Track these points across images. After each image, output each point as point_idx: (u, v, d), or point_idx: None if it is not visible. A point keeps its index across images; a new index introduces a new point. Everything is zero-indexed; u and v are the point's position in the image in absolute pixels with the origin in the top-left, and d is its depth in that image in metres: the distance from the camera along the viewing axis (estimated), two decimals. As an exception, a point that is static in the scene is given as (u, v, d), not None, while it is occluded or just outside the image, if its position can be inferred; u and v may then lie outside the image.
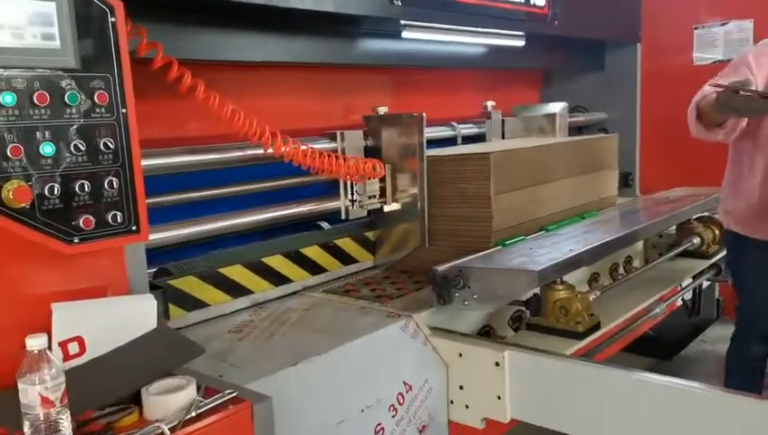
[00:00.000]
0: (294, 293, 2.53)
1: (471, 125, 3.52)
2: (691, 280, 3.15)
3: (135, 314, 1.68)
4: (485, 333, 2.43)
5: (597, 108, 4.61)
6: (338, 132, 2.70)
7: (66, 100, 1.47)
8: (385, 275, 2.75)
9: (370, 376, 1.89)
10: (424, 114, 2.63)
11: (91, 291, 1.68)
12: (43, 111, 1.44)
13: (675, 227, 3.24)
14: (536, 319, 2.26)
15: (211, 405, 1.46)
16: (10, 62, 1.38)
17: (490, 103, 3.59)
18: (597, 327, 2.23)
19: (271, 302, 2.42)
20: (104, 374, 1.52)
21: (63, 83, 1.47)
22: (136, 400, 1.49)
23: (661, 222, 2.93)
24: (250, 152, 2.39)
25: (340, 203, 2.73)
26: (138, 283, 1.81)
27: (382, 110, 2.85)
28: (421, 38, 2.97)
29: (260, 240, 2.62)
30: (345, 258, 2.74)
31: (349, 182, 2.70)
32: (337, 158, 2.45)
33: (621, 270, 3.20)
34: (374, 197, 2.74)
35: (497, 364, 1.94)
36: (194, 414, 1.41)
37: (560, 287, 2.18)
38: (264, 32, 2.59)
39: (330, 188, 2.78)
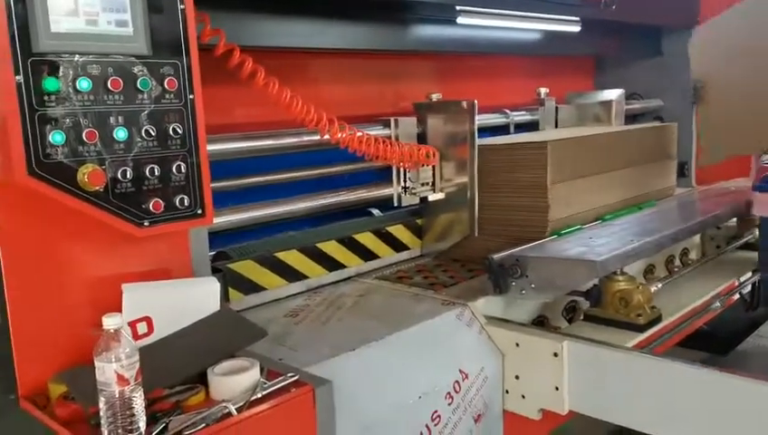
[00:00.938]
0: (347, 278, 2.54)
1: (524, 112, 3.46)
2: (750, 274, 3.05)
3: (199, 296, 1.72)
4: (539, 322, 2.41)
5: (652, 95, 4.48)
6: (392, 119, 2.69)
7: (138, 85, 1.50)
8: (437, 262, 2.74)
9: (427, 363, 1.89)
10: (475, 102, 2.60)
11: (157, 273, 1.73)
12: (116, 97, 1.48)
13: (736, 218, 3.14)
14: (594, 310, 2.22)
15: (274, 388, 1.49)
16: (86, 48, 1.42)
17: (543, 90, 3.52)
18: (658, 320, 2.19)
19: (325, 287, 2.44)
20: (172, 354, 1.56)
21: (135, 69, 1.50)
22: (201, 380, 1.53)
23: (724, 214, 2.84)
24: (305, 138, 2.40)
25: (392, 190, 2.72)
26: (200, 266, 1.85)
27: (435, 96, 2.83)
28: (475, 24, 2.93)
29: (311, 226, 2.64)
30: (397, 245, 2.74)
31: (402, 169, 2.69)
32: (391, 144, 2.44)
33: (678, 262, 3.12)
34: (427, 184, 2.73)
35: (555, 355, 1.92)
36: (259, 396, 1.44)
37: (620, 278, 2.14)
38: (320, 19, 2.59)
39: (380, 175, 2.78)
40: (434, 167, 2.71)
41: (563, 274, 2.03)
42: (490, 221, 2.62)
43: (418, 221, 2.83)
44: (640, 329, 2.12)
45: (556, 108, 3.60)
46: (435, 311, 2.09)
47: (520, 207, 2.55)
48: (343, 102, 2.88)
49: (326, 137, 2.26)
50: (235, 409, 1.39)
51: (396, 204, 2.73)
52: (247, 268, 2.20)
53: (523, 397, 2.04)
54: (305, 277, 2.39)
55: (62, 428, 1.36)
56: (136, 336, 1.59)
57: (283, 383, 1.50)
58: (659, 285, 2.33)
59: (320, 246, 2.44)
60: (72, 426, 1.36)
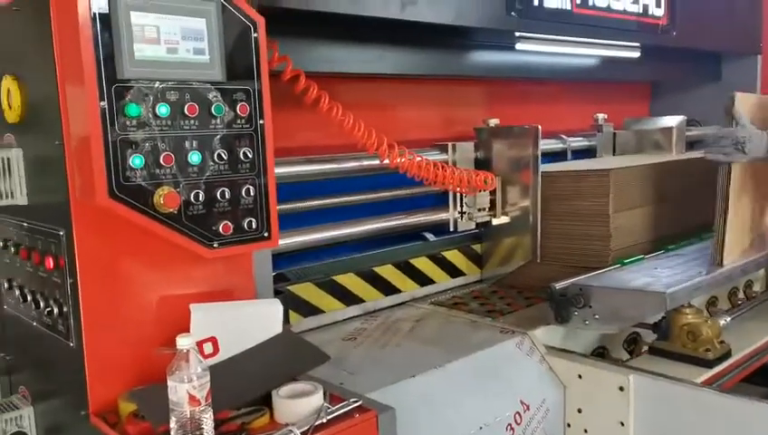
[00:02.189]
0: (402, 303, 2.53)
1: (581, 138, 3.42)
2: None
3: (262, 318, 1.73)
4: (599, 354, 2.35)
5: (711, 122, 4.37)
6: (449, 144, 2.69)
7: (212, 111, 1.54)
8: (492, 289, 2.71)
9: (487, 393, 1.86)
10: (539, 127, 2.58)
11: (221, 294, 1.75)
12: (191, 122, 1.52)
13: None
14: (660, 343, 2.15)
15: (338, 413, 1.48)
16: (166, 75, 1.47)
17: (601, 116, 3.47)
18: (727, 355, 2.10)
19: (381, 311, 2.44)
20: (237, 375, 1.57)
21: (210, 95, 1.54)
22: (264, 402, 1.53)
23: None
24: (365, 163, 2.42)
25: (448, 215, 2.71)
26: (263, 287, 1.88)
27: (493, 121, 2.82)
28: (533, 50, 2.93)
29: (364, 249, 2.64)
30: (452, 271, 2.73)
31: (458, 194, 2.68)
32: (449, 169, 2.44)
33: (741, 295, 3.00)
34: (484, 209, 2.71)
35: (621, 389, 1.86)
36: (324, 420, 1.44)
37: (687, 311, 2.07)
38: (379, 45, 2.62)
39: (436, 200, 2.77)
40: (492, 192, 2.69)
41: (630, 305, 1.98)
42: (550, 248, 2.59)
43: (474, 247, 2.81)
44: (709, 364, 2.05)
45: (614, 134, 3.54)
46: (493, 339, 2.06)
47: (582, 235, 2.51)
48: (400, 127, 2.90)
49: (386, 162, 2.28)
50: (300, 433, 1.39)
51: (452, 229, 2.71)
52: (307, 291, 2.22)
53: (586, 431, 1.98)
54: (362, 301, 2.40)
55: (132, 445, 1.38)
56: (202, 356, 1.61)
57: (346, 408, 1.50)
58: (728, 319, 2.25)
59: (376, 269, 2.44)
60: (143, 444, 1.38)
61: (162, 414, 1.39)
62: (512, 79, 3.37)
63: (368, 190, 2.61)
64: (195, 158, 1.52)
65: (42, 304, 1.67)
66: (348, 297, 2.35)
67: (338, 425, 1.45)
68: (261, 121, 1.64)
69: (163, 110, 1.46)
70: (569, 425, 2.01)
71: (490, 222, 2.75)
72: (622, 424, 1.88)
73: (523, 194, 2.66)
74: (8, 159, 1.67)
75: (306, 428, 1.41)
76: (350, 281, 2.35)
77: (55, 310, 1.61)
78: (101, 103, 1.38)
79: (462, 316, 2.34)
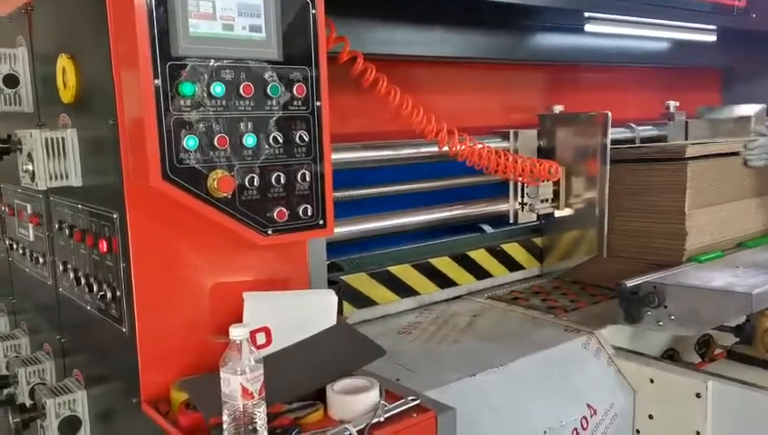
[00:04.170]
0: (458, 297, 2.43)
1: (650, 127, 3.23)
2: None
3: (317, 309, 1.66)
4: (669, 357, 2.20)
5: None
6: (511, 131, 2.57)
7: (268, 92, 1.47)
8: (554, 284, 2.58)
9: (553, 395, 1.75)
10: (609, 114, 2.43)
11: (274, 282, 1.69)
12: (247, 103, 1.45)
13: None
14: (741, 347, 1.99)
15: (395, 411, 1.40)
16: (221, 53, 1.40)
17: (673, 103, 3.27)
18: (817, 363, 1.93)
19: (436, 304, 2.35)
20: (291, 368, 1.51)
21: (266, 75, 1.47)
22: (317, 396, 1.47)
23: None
24: (423, 150, 2.32)
25: (508, 206, 2.59)
26: (317, 277, 1.81)
27: (558, 108, 2.68)
28: (602, 31, 2.76)
29: (419, 240, 2.54)
30: (511, 264, 2.61)
31: (519, 184, 2.55)
32: (512, 158, 2.32)
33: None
34: (546, 201, 2.58)
35: (698, 396, 1.72)
36: (382, 419, 1.36)
37: (773, 314, 1.90)
38: (440, 27, 2.52)
39: (493, 190, 2.65)
40: (556, 183, 2.55)
41: (711, 306, 1.82)
42: (617, 243, 2.43)
43: (535, 240, 2.68)
44: (797, 372, 1.88)
45: (686, 123, 3.33)
46: (558, 338, 1.94)
47: (652, 231, 2.35)
48: (458, 113, 2.78)
49: (444, 148, 2.18)
50: (357, 431, 1.32)
51: (512, 220, 2.59)
52: (360, 281, 2.15)
53: (657, 439, 1.85)
54: (417, 293, 2.31)
55: (183, 437, 1.33)
56: (254, 346, 1.55)
57: (403, 407, 1.42)
58: (816, 324, 2.06)
59: (432, 261, 2.34)
60: (193, 435, 1.33)
61: (214, 406, 1.34)
62: (573, 64, 3.21)
63: (422, 179, 2.52)
64: (250, 140, 1.46)
65: (95, 288, 1.64)
66: (402, 289, 2.26)
67: (395, 425, 1.37)
68: (318, 104, 1.56)
69: (218, 89, 1.40)
70: (638, 431, 1.89)
71: (552, 214, 2.62)
72: (698, 433, 1.74)
73: (589, 185, 2.51)
74: (63, 138, 1.64)
75: (362, 426, 1.34)
76: (405, 272, 2.27)
77: (108, 294, 1.58)
78: (156, 81, 1.32)
79: (522, 312, 2.23)
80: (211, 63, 1.39)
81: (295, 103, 1.52)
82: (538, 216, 2.61)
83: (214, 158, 1.42)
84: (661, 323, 1.90)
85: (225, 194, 1.43)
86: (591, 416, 1.77)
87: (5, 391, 2.12)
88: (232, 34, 1.42)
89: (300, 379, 1.48)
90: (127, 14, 1.32)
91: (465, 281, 2.45)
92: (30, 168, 1.62)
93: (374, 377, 1.48)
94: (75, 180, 1.66)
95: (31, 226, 2.10)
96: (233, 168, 1.44)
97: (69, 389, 1.87)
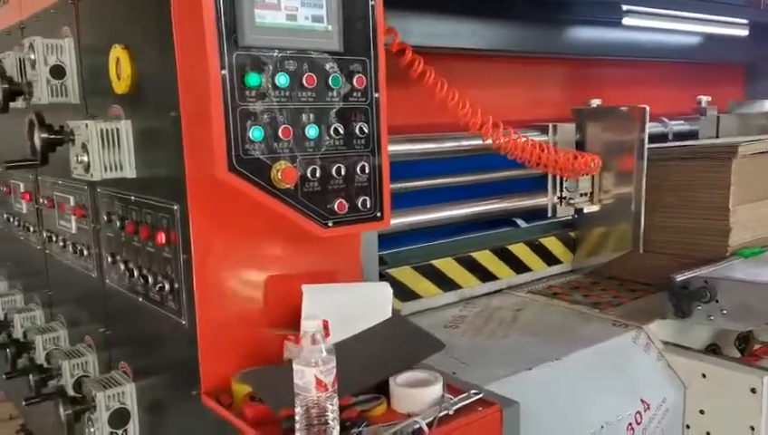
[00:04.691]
0: (498, 291, 2.42)
1: (682, 122, 3.21)
2: None
3: (373, 301, 1.66)
4: (712, 352, 2.18)
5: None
6: (550, 125, 2.55)
7: (329, 83, 1.46)
8: (592, 279, 2.56)
9: (609, 390, 1.74)
10: (647, 108, 2.40)
11: (329, 274, 1.68)
12: (309, 94, 1.44)
13: None
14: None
15: (460, 404, 1.39)
16: (285, 43, 1.39)
17: (705, 98, 3.25)
18: None
19: (477, 298, 2.33)
20: (352, 361, 1.49)
21: (328, 66, 1.46)
22: (378, 389, 1.46)
23: None
24: (465, 143, 2.30)
25: (546, 200, 2.57)
26: (369, 270, 1.80)
27: (595, 102, 2.66)
28: (636, 25, 2.74)
29: (456, 233, 2.52)
30: (549, 258, 2.59)
31: (558, 178, 2.54)
32: (554, 151, 2.30)
33: None
34: (585, 194, 2.56)
35: (753, 391, 1.70)
36: (451, 412, 1.35)
37: (827, 309, 1.88)
38: (474, 18, 2.50)
39: (527, 184, 2.63)
40: (593, 177, 2.54)
41: (764, 301, 1.81)
42: (657, 238, 2.41)
43: (572, 234, 2.67)
44: None
45: (717, 117, 3.31)
46: (607, 332, 1.93)
47: (693, 227, 2.32)
48: (494, 107, 2.76)
49: (488, 141, 2.16)
50: (426, 424, 1.31)
51: (550, 214, 2.57)
52: (405, 275, 2.14)
53: (709, 434, 1.83)
54: (459, 287, 2.30)
55: (251, 429, 1.32)
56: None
57: (468, 401, 1.41)
58: None
59: (474, 255, 2.33)
60: (261, 427, 1.32)
61: (281, 398, 1.33)
62: (601, 59, 3.18)
63: (461, 173, 2.50)
64: (312, 132, 1.45)
65: (150, 280, 1.64)
66: (445, 283, 2.25)
67: (460, 418, 1.36)
68: (376, 95, 1.55)
69: (282, 80, 1.39)
70: (688, 426, 1.87)
71: (581, 210, 2.60)
72: (752, 429, 1.72)
73: (623, 180, 2.49)
74: (117, 130, 1.64)
75: (431, 419, 1.33)
76: (447, 266, 2.26)
77: (166, 286, 1.57)
78: (222, 72, 1.31)
79: (565, 307, 2.21)
80: (275, 54, 1.38)
81: (355, 95, 1.51)
82: (576, 210, 2.60)
83: (277, 149, 1.40)
84: (712, 318, 1.88)
85: (288, 185, 1.42)
86: (645, 411, 1.76)
87: (50, 383, 2.12)
88: (295, 25, 1.41)
89: (361, 372, 1.47)
90: (193, 4, 1.31)
91: (505, 275, 2.43)
92: (85, 159, 1.61)
93: (432, 370, 1.48)
94: (129, 172, 1.66)
95: (74, 218, 2.10)
96: (295, 159, 1.43)
97: (117, 381, 1.87)
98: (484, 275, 2.37)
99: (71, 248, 2.15)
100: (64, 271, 2.29)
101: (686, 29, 2.95)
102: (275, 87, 1.38)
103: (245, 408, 1.38)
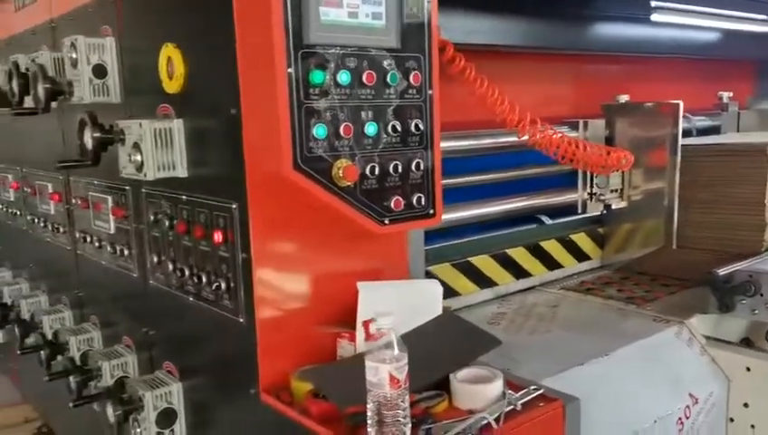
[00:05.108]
0: (531, 288, 2.43)
1: (703, 117, 3.22)
2: None
3: (424, 298, 1.67)
4: (746, 345, 2.20)
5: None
6: (581, 121, 2.56)
7: (387, 80, 1.46)
8: (622, 275, 2.57)
9: (659, 385, 1.75)
10: (680, 103, 2.42)
11: (378, 272, 1.69)
12: (368, 91, 1.44)
13: None
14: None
15: (523, 400, 1.40)
16: (347, 40, 1.39)
17: (726, 94, 3.27)
18: None
19: (512, 295, 2.34)
20: (411, 357, 1.50)
21: (386, 63, 1.46)
22: (435, 385, 1.46)
23: None
24: (502, 139, 2.31)
25: (576, 196, 2.58)
26: (416, 267, 1.80)
27: (623, 98, 2.67)
28: (662, 21, 2.75)
29: (486, 230, 2.52)
30: (579, 254, 2.60)
31: (589, 174, 2.55)
32: (589, 147, 2.30)
33: None
34: (616, 191, 2.57)
35: (800, 384, 1.72)
36: (518, 408, 1.36)
37: None
38: (498, 14, 2.50)
39: (552, 181, 2.63)
40: (623, 173, 2.55)
41: (810, 294, 1.83)
42: (691, 234, 2.42)
43: (600, 230, 2.68)
44: None
45: (738, 113, 3.33)
46: (649, 328, 1.94)
47: (726, 223, 2.33)
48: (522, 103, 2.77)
49: (524, 138, 2.16)
50: (493, 420, 1.32)
51: (580, 211, 2.58)
52: (444, 272, 2.14)
53: (753, 427, 1.85)
54: (494, 284, 2.31)
55: (318, 426, 1.32)
56: (368, 336, 1.55)
57: (529, 397, 1.41)
58: None
59: (509, 252, 2.34)
60: (327, 424, 1.32)
61: (346, 395, 1.34)
62: (620, 55, 3.19)
63: (489, 170, 2.50)
64: (371, 129, 1.45)
65: (204, 279, 1.63)
66: (482, 280, 2.26)
67: (525, 414, 1.37)
68: (430, 92, 1.56)
69: (344, 77, 1.39)
70: (732, 420, 1.89)
71: (610, 206, 2.61)
72: (799, 422, 1.74)
73: (654, 176, 2.50)
74: (170, 129, 1.63)
75: (496, 414, 1.34)
76: (484, 263, 2.26)
77: (222, 285, 1.57)
78: (289, 70, 1.31)
79: (601, 303, 2.22)
80: (337, 51, 1.38)
81: (410, 92, 1.52)
82: (605, 206, 2.61)
83: (338, 147, 1.41)
84: (757, 312, 1.90)
85: (348, 183, 1.42)
86: (693, 405, 1.77)
87: (92, 385, 2.11)
88: (356, 22, 1.41)
89: (421, 369, 1.47)
90: (259, 2, 1.31)
91: (538, 272, 2.44)
92: (138, 158, 1.61)
93: (489, 367, 1.48)
94: (181, 171, 1.65)
95: (113, 218, 2.09)
96: (354, 157, 1.43)
97: (163, 381, 1.87)
98: (518, 271, 2.38)
99: (108, 248, 2.15)
100: (99, 272, 2.28)
101: (712, 25, 2.96)
102: (337, 84, 1.39)
103: (310, 405, 1.38)
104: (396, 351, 1.23)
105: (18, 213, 3.02)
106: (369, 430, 1.23)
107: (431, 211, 1.60)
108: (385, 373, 1.21)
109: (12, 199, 3.05)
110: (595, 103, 2.74)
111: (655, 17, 2.64)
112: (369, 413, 1.23)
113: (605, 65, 3.19)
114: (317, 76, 1.35)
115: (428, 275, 2.09)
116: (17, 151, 2.92)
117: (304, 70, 1.33)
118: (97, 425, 2.44)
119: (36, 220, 2.81)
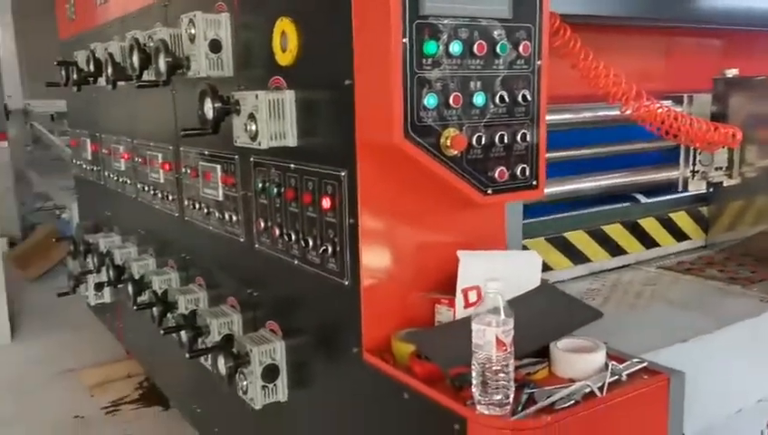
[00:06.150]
0: (626, 266, 2.39)
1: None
2: None
3: (523, 269, 1.68)
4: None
5: None
6: (685, 96, 2.47)
7: (497, 50, 1.47)
8: (725, 256, 2.48)
9: (762, 365, 1.69)
10: (797, 77, 2.29)
11: (477, 242, 1.71)
12: (477, 62, 1.46)
13: None
14: None
15: (627, 372, 1.40)
16: (459, 11, 1.41)
17: None
18: None
19: (606, 272, 2.31)
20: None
21: (496, 33, 1.47)
22: (536, 354, 1.48)
23: None
24: (601, 113, 2.27)
25: (677, 173, 2.50)
26: (514, 238, 1.82)
27: (731, 72, 2.55)
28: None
29: (581, 206, 2.49)
30: (678, 234, 2.53)
31: (692, 151, 2.46)
32: (695, 122, 2.23)
33: None
34: (721, 168, 2.47)
35: None
36: (624, 378, 1.36)
37: None
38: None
39: (648, 158, 2.55)
40: (731, 149, 2.44)
41: None
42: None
43: (702, 209, 2.59)
44: None
45: None
46: (755, 308, 1.88)
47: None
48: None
49: (627, 112, 2.11)
50: (597, 388, 1.33)
51: (681, 188, 2.50)
52: (538, 246, 2.14)
53: None
54: (588, 260, 2.29)
55: (423, 385, 1.38)
56: (467, 304, 1.59)
57: (633, 369, 1.41)
58: None
59: (605, 229, 2.31)
60: (432, 385, 1.38)
61: (450, 357, 1.39)
62: (725, 28, 3.03)
63: (586, 145, 2.46)
64: (479, 99, 1.47)
65: (310, 243, 1.71)
66: (576, 255, 2.25)
67: (627, 386, 1.37)
68: (539, 63, 1.56)
69: (456, 48, 1.41)
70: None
71: (720, 183, 2.51)
72: None
73: (766, 153, 2.39)
74: (282, 100, 1.71)
75: (600, 384, 1.35)
76: (579, 239, 2.24)
77: (329, 249, 1.64)
78: (404, 40, 1.35)
79: (702, 282, 2.16)
80: (449, 22, 1.41)
81: (519, 62, 1.52)
82: (708, 183, 2.51)
83: (447, 116, 1.44)
84: None
85: (455, 153, 1.45)
86: (800, 388, 1.71)
87: (199, 341, 2.26)
88: (472, -9, 1.43)
89: (520, 336, 1.49)
90: (374, -26, 1.35)
91: (635, 250, 2.40)
92: (253, 127, 1.70)
93: (590, 338, 1.49)
94: (291, 140, 1.73)
95: (221, 186, 2.21)
96: (462, 126, 1.46)
97: (268, 339, 1.98)
98: (614, 249, 2.34)
99: (216, 214, 2.28)
100: (205, 236, 2.42)
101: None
102: (449, 55, 1.41)
103: (414, 365, 1.44)
104: (502, 315, 1.26)
105: (128, 181, 3.23)
106: (473, 389, 1.28)
107: (534, 183, 1.61)
108: (492, 336, 1.25)
109: (122, 169, 3.26)
110: (693, 78, 2.63)
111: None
112: (473, 374, 1.28)
113: (706, 39, 3.05)
114: (430, 47, 1.38)
115: (523, 248, 2.10)
116: (128, 124, 3.11)
117: (419, 40, 1.37)
118: (195, 379, 2.62)
119: (146, 188, 3.00)
